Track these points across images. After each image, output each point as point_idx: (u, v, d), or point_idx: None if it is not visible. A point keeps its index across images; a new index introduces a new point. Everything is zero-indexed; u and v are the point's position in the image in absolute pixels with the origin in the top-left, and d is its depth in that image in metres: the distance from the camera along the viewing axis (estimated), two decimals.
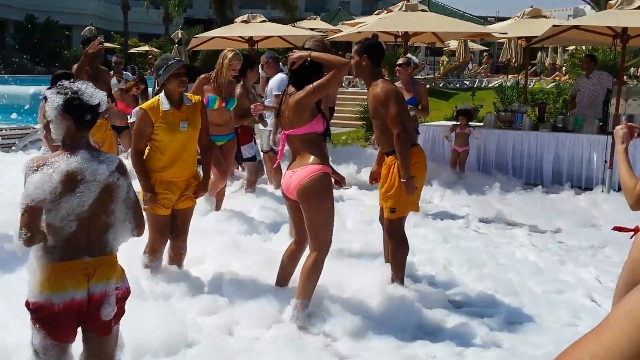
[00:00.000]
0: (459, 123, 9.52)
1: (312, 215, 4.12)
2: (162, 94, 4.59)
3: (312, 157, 4.11)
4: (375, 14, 14.23)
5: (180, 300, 4.36)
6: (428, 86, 19.15)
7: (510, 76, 20.86)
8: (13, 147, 10.65)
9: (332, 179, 4.35)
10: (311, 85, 4.03)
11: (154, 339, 3.70)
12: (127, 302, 2.99)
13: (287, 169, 4.26)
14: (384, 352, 3.87)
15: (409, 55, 7.76)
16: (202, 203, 6.83)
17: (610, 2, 9.14)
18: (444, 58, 22.98)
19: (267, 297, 4.38)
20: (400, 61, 7.89)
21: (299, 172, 4.11)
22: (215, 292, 4.52)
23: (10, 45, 42.85)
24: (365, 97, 6.86)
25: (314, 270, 4.14)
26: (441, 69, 21.77)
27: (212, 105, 6.48)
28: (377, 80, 4.62)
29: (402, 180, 4.51)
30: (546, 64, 26.28)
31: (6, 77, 25.13)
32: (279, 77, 8.04)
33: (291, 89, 4.20)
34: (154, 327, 3.79)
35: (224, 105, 6.57)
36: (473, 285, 5.12)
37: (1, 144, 10.69)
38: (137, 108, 4.59)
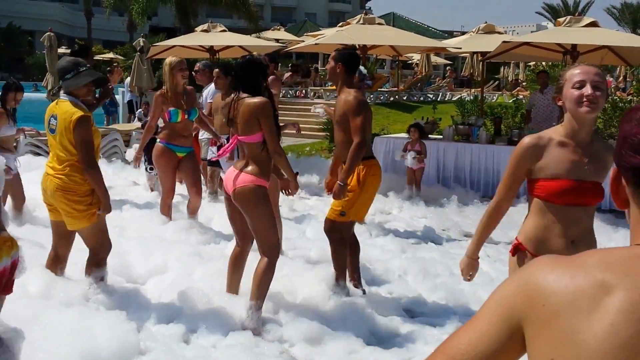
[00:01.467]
0: (410, 138, 9.37)
1: (252, 221, 4.26)
2: (74, 99, 4.38)
3: (252, 166, 4.25)
4: (339, 27, 14.42)
5: (136, 309, 4.37)
6: (392, 98, 19.51)
7: (473, 90, 21.27)
8: None
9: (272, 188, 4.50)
10: (267, 122, 4.16)
11: (104, 349, 3.71)
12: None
13: (234, 166, 4.40)
14: (338, 357, 3.96)
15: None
16: (158, 215, 6.83)
17: (559, 19, 9.49)
18: (396, 71, 23.24)
19: (226, 305, 4.43)
20: None
21: (237, 176, 4.24)
22: (174, 301, 4.55)
23: None
24: (331, 108, 6.96)
25: (266, 273, 4.24)
26: (395, 81, 22.06)
27: (175, 118, 6.44)
28: (350, 88, 4.81)
29: (339, 182, 4.70)
30: (509, 78, 26.89)
31: None
32: (213, 86, 7.81)
33: (242, 94, 4.25)
34: (106, 336, 3.80)
35: (187, 117, 6.50)
36: (427, 294, 5.23)
37: None
38: (83, 114, 4.30)
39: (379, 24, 13.07)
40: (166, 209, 6.66)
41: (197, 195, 6.64)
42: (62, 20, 48.53)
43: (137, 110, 15.75)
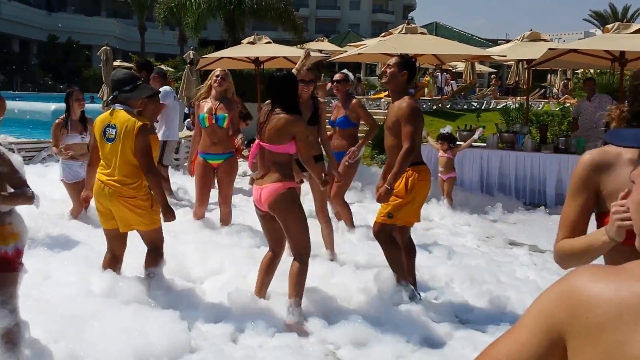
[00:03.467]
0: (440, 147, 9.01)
1: (287, 226, 4.43)
2: (129, 109, 4.50)
3: (276, 173, 4.41)
4: (381, 37, 14.35)
5: (188, 309, 4.44)
6: (435, 107, 19.31)
7: (518, 98, 20.90)
8: (32, 159, 10.83)
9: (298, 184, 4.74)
10: (300, 137, 4.41)
11: (156, 346, 3.78)
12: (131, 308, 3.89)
13: (255, 183, 4.55)
14: None
15: (345, 70, 7.53)
16: (213, 219, 6.90)
17: (607, 26, 9.23)
18: (428, 79, 22.88)
19: (273, 307, 4.48)
20: (337, 77, 7.27)
21: (266, 189, 4.40)
22: (224, 302, 4.60)
23: (34, 64, 43.56)
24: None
25: (301, 273, 4.42)
26: (426, 90, 21.75)
27: (203, 123, 6.56)
28: (406, 95, 4.87)
29: (386, 185, 4.73)
30: (556, 86, 26.33)
31: (29, 94, 25.53)
32: (164, 90, 8.27)
33: (277, 107, 4.46)
34: (158, 334, 3.88)
35: (214, 121, 6.56)
36: (473, 301, 5.14)
37: (23, 157, 10.85)
38: (145, 123, 4.46)
39: (421, 33, 12.97)
40: (196, 217, 6.75)
41: (223, 204, 6.70)
42: (118, 35, 49.81)
43: (185, 120, 16.05)
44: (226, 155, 6.71)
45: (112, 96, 4.56)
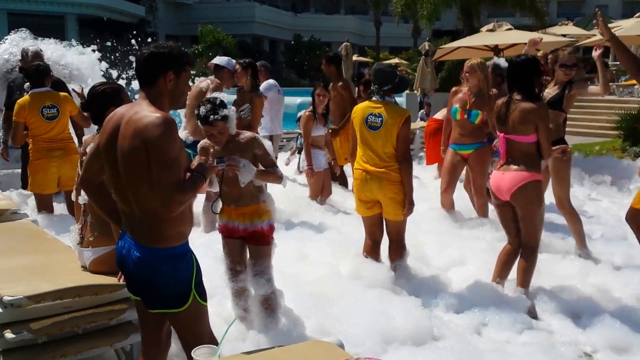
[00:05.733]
0: None
1: (526, 217, 4.32)
2: (395, 101, 4.69)
3: (524, 163, 4.26)
4: (637, 17, 12.88)
5: (430, 297, 4.44)
6: None
7: None
8: (283, 148, 11.80)
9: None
10: (543, 128, 4.18)
11: (400, 330, 3.84)
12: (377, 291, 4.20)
13: (496, 170, 4.41)
14: None
15: (497, 59, 6.62)
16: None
17: None
18: None
19: (518, 302, 4.28)
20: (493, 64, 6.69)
21: (509, 177, 4.28)
22: (465, 292, 4.54)
23: (281, 61, 47.25)
24: (624, 105, 6.19)
25: (530, 265, 4.36)
26: None
27: (455, 116, 6.36)
28: None
29: None
30: None
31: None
32: (267, 84, 8.01)
33: (517, 95, 4.26)
34: (402, 318, 3.94)
35: (466, 117, 6.27)
36: None
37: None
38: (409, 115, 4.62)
39: None
40: (443, 207, 6.59)
41: (477, 195, 6.45)
42: (354, 31, 51.72)
43: (419, 110, 16.14)
44: (477, 145, 6.35)
45: (377, 87, 4.62)
